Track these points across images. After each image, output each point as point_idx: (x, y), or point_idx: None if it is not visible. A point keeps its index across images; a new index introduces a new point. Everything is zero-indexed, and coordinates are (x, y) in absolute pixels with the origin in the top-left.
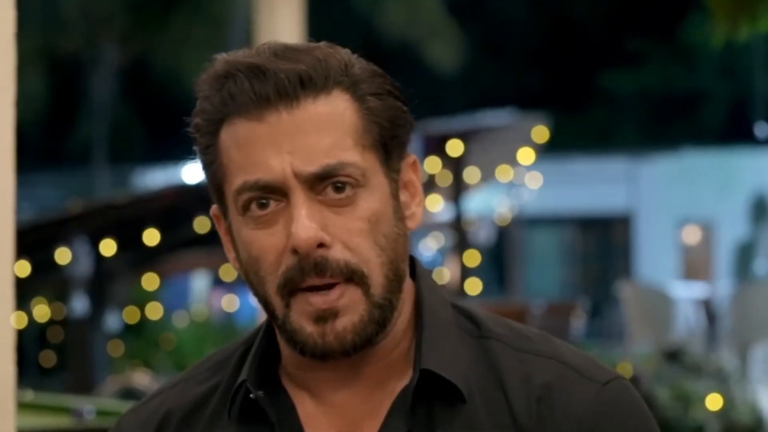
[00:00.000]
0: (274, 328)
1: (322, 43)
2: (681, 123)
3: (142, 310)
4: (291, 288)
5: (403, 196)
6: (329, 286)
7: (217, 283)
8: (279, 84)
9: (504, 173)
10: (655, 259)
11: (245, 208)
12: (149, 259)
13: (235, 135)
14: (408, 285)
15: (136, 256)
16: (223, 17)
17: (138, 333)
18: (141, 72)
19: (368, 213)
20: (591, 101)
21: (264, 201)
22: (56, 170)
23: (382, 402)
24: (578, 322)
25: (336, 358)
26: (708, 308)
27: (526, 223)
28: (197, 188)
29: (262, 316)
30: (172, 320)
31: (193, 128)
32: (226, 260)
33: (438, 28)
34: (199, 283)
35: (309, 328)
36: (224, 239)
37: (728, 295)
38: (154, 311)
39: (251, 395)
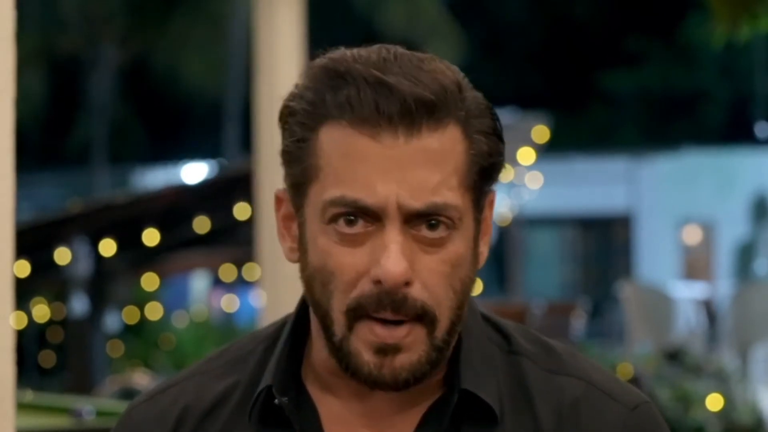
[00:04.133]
0: (299, 329)
1: (433, 57)
2: (681, 123)
3: (141, 310)
4: (360, 313)
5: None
6: (399, 322)
7: (217, 283)
8: (405, 107)
9: (504, 173)
10: (655, 259)
11: (332, 220)
12: (149, 259)
13: (340, 142)
14: None
15: (135, 256)
16: (223, 17)
17: (137, 333)
18: (141, 72)
19: (453, 257)
20: (591, 101)
21: (353, 218)
22: (56, 170)
23: (410, 415)
24: (578, 322)
25: (385, 391)
26: (708, 308)
27: (526, 223)
28: (197, 188)
29: (262, 316)
30: (171, 320)
31: (288, 111)
32: (225, 260)
33: (438, 28)
34: (199, 283)
35: (367, 357)
36: (281, 223)
37: (729, 295)
38: (154, 311)
39: (275, 401)
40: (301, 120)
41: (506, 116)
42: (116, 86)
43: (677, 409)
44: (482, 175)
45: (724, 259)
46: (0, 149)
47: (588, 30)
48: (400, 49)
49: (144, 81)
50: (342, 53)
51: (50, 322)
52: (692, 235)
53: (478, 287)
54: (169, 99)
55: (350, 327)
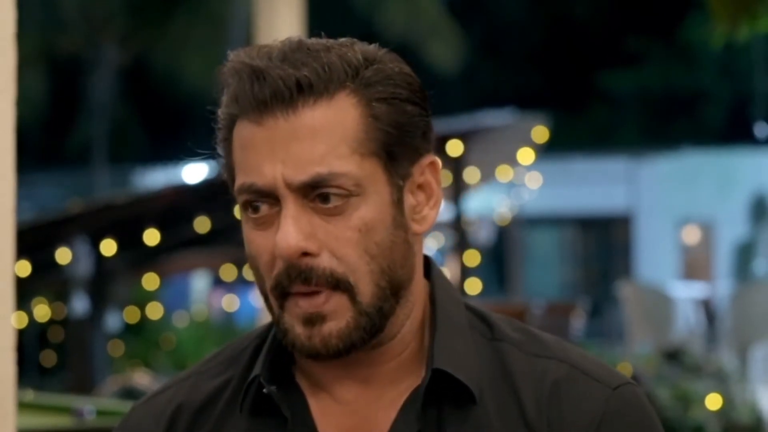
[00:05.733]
0: None
1: (344, 40)
2: (681, 123)
3: (142, 310)
4: (282, 291)
5: (415, 199)
6: (316, 293)
7: (217, 283)
8: (276, 89)
9: (504, 173)
10: (655, 259)
11: (245, 208)
12: (149, 259)
13: (240, 135)
14: (421, 285)
15: (136, 256)
16: (223, 17)
17: (138, 333)
18: (141, 72)
19: (359, 222)
20: (591, 101)
21: (257, 204)
22: (56, 170)
23: (394, 401)
24: (578, 322)
25: (324, 360)
26: (708, 308)
27: (526, 223)
28: (197, 188)
29: (262, 316)
30: (172, 320)
31: (216, 118)
32: (226, 260)
33: (438, 28)
34: (199, 283)
35: (298, 330)
36: None
37: (728, 295)
38: (154, 311)
39: (264, 390)
40: (222, 123)
41: (506, 116)
42: (116, 86)
43: (677, 408)
44: (391, 140)
45: (723, 259)
46: (0, 149)
47: (588, 30)
48: (302, 39)
49: (144, 81)
50: (239, 53)
51: (51, 322)
52: (692, 235)
53: (477, 287)
54: (169, 99)
55: (281, 305)
